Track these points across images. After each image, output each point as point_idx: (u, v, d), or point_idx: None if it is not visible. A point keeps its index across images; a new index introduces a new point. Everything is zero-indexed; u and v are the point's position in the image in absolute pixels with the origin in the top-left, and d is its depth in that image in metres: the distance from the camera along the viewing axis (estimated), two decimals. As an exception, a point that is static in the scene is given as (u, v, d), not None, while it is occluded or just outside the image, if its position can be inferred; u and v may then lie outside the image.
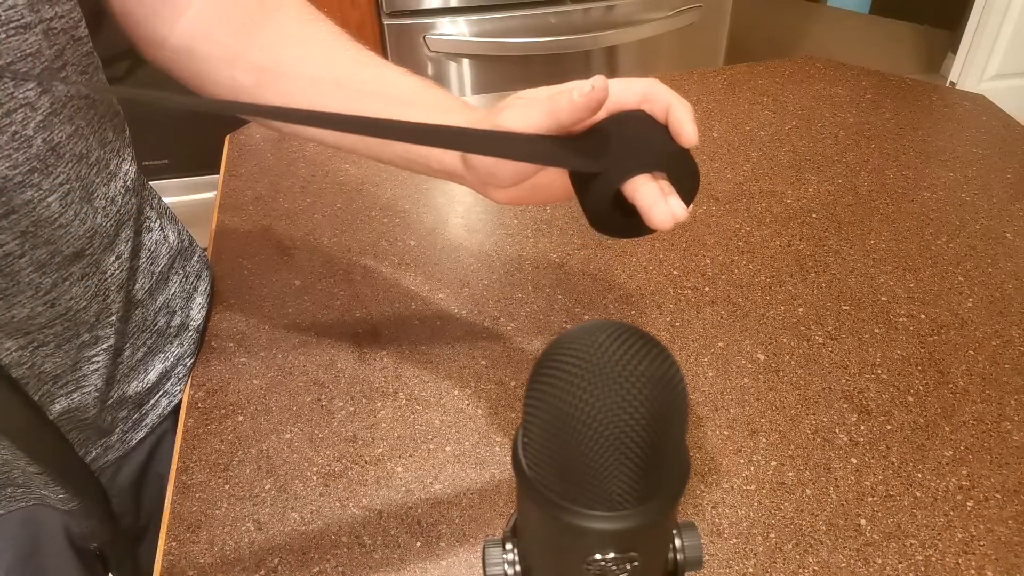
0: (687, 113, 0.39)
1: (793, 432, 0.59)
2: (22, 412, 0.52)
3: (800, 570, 0.51)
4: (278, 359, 0.66)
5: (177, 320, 0.64)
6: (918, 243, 0.76)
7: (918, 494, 0.55)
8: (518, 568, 0.34)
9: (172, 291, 0.64)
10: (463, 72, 1.76)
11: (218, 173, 0.90)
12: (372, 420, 0.61)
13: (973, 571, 0.51)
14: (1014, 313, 0.69)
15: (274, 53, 0.52)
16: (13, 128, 0.44)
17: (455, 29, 1.69)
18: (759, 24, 2.91)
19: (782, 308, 0.70)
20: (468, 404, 0.62)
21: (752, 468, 0.57)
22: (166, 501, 0.57)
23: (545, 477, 0.30)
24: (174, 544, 0.54)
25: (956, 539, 0.52)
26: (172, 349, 0.64)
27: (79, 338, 0.54)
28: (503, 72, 1.76)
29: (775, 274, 0.73)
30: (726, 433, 0.59)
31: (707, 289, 0.72)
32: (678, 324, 0.69)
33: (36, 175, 0.46)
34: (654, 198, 0.38)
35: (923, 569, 0.51)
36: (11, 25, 0.42)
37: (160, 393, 0.63)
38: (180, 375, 0.65)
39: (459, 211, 0.83)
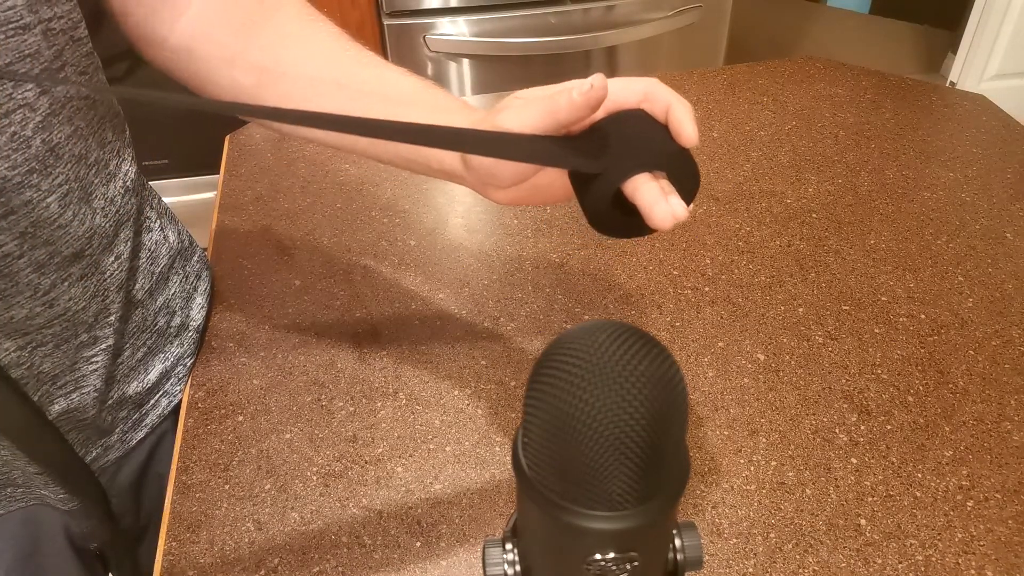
0: (687, 113, 0.39)
1: (793, 432, 0.59)
2: (22, 412, 0.52)
3: (800, 570, 0.51)
4: (278, 359, 0.66)
5: (177, 320, 0.64)
6: (918, 243, 0.76)
7: (918, 494, 0.55)
8: (518, 568, 0.34)
9: (172, 291, 0.64)
10: (463, 72, 1.76)
11: (218, 173, 0.90)
12: (372, 420, 0.61)
13: (973, 571, 0.51)
14: (1014, 313, 0.69)
15: (274, 53, 0.52)
16: (12, 129, 0.44)
17: (455, 29, 1.69)
18: (759, 24, 2.91)
19: (782, 308, 0.70)
20: (468, 404, 0.62)
21: (752, 468, 0.57)
22: (166, 501, 0.57)
23: (545, 477, 0.30)
24: (174, 544, 0.54)
25: (956, 539, 0.52)
26: (172, 349, 0.64)
27: (77, 338, 0.54)
28: (503, 72, 1.76)
29: (775, 274, 0.73)
30: (726, 433, 0.59)
31: (707, 289, 0.72)
32: (678, 324, 0.69)
33: (35, 176, 0.46)
34: (655, 197, 0.38)
35: (923, 569, 0.51)
36: (10, 26, 0.42)
37: (160, 393, 0.63)
38: (180, 375, 0.65)
39: (459, 211, 0.83)
